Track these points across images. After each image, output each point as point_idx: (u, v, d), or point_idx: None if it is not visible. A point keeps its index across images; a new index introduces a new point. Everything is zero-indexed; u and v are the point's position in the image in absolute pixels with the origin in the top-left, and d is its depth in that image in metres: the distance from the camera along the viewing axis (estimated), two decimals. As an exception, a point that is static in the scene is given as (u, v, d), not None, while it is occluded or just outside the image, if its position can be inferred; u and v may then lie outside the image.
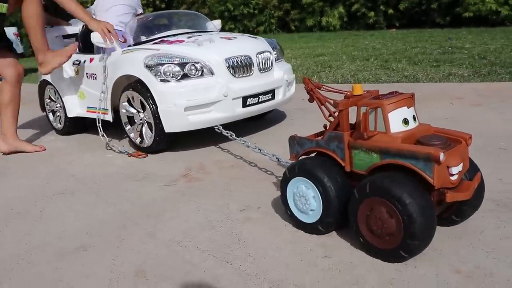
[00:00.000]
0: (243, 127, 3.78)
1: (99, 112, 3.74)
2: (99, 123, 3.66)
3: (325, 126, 2.17)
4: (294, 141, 2.18)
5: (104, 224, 2.34)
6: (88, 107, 3.94)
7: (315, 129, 2.69)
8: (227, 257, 1.92)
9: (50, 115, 4.38)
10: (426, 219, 1.66)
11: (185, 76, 3.22)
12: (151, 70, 3.25)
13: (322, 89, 2.18)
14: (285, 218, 2.22)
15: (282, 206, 2.29)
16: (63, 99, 4.08)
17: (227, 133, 3.20)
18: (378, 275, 1.69)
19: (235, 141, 3.25)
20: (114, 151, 3.58)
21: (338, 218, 1.95)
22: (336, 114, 2.03)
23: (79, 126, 4.22)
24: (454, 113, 3.74)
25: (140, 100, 3.35)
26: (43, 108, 4.47)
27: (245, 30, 14.43)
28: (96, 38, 3.59)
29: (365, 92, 2.03)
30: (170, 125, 3.26)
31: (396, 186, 1.69)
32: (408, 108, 1.89)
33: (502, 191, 2.29)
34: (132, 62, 3.40)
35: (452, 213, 1.93)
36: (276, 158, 2.81)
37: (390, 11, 11.88)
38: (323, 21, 12.83)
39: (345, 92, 2.00)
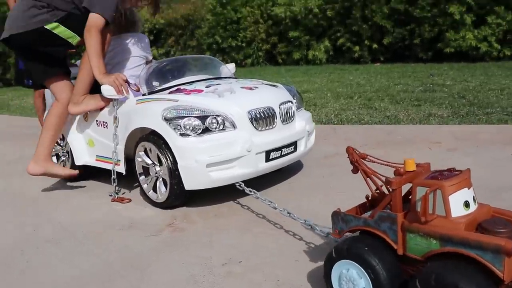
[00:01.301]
0: (255, 179, 3.45)
1: (110, 163, 3.60)
2: (114, 174, 3.53)
3: (367, 197, 2.11)
4: (338, 217, 2.04)
5: (91, 276, 2.41)
6: (97, 155, 3.80)
7: (335, 179, 2.81)
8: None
9: (54, 159, 4.17)
10: None
11: (206, 130, 3.07)
12: (170, 123, 3.10)
13: (366, 159, 2.07)
14: (266, 273, 2.32)
15: (263, 260, 2.39)
16: (70, 145, 3.91)
17: (250, 191, 3.03)
18: None
19: (219, 188, 3.17)
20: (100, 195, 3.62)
21: None
22: (383, 187, 1.96)
23: (85, 173, 4.03)
24: (431, 158, 3.80)
25: (155, 151, 3.21)
26: None
27: (233, 63, 14.56)
28: (107, 91, 3.41)
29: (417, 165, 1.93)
30: (191, 182, 3.10)
31: (466, 283, 1.54)
32: (468, 189, 1.79)
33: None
34: (149, 113, 3.26)
35: None
36: (309, 224, 2.56)
37: (375, 45, 12.04)
38: (310, 55, 13.00)
39: (393, 165, 1.92)
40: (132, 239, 2.85)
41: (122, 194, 3.61)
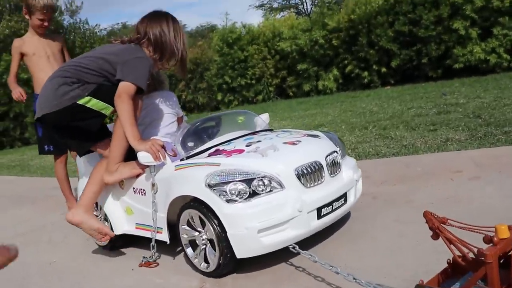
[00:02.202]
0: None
1: (151, 231, 3.45)
2: (154, 245, 3.39)
3: (448, 262, 1.97)
4: None
5: None
6: (137, 223, 3.63)
7: (389, 222, 2.69)
8: None
9: None
10: None
11: (253, 194, 2.88)
12: (214, 189, 2.92)
13: (447, 223, 1.92)
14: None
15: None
16: (107, 214, 3.76)
17: (310, 256, 2.80)
18: None
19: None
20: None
21: None
22: (470, 254, 1.84)
23: (125, 241, 3.87)
24: (454, 190, 3.72)
25: (200, 217, 3.04)
26: None
27: (244, 101, 14.67)
28: (144, 158, 3.26)
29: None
30: (242, 250, 2.91)
31: None
32: None
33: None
34: (190, 181, 3.08)
35: None
36: None
37: (383, 69, 12.04)
38: (320, 85, 13.06)
39: (481, 231, 1.77)
40: None
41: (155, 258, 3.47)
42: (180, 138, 3.47)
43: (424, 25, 11.24)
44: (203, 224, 3.06)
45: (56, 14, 22.66)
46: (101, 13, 72.86)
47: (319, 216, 3.04)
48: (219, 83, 14.68)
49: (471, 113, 6.41)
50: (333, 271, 2.62)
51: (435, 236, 1.95)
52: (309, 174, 3.03)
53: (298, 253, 2.90)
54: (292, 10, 33.57)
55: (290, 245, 2.92)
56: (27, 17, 4.16)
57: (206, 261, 3.12)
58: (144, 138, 3.51)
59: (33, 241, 4.63)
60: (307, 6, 34.19)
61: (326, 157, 3.16)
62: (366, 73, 12.33)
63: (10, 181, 9.21)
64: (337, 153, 3.29)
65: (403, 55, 11.70)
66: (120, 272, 3.48)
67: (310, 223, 2.99)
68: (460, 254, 1.89)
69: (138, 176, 3.52)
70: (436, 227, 1.91)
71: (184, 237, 3.21)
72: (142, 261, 3.47)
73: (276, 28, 14.23)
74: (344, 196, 3.22)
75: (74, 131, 3.50)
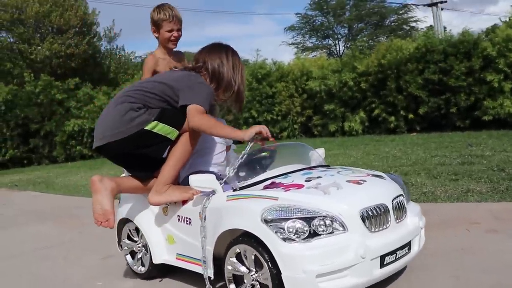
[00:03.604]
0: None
1: (193, 263, 3.25)
2: (207, 280, 3.12)
3: None
4: None
5: None
6: (178, 254, 3.41)
7: (472, 283, 2.69)
8: None
9: (129, 258, 3.86)
10: None
11: (312, 234, 2.66)
12: (270, 225, 2.69)
13: None
14: None
15: None
16: (147, 241, 3.55)
17: None
18: None
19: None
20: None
21: None
22: None
23: (164, 270, 3.68)
24: (469, 242, 3.70)
25: (255, 256, 2.80)
26: (120, 246, 3.94)
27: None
28: (196, 181, 3.09)
29: None
30: None
31: None
32: None
33: None
34: (244, 213, 2.86)
35: None
36: None
37: (410, 115, 11.94)
38: (346, 126, 13.06)
39: None
40: None
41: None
42: (236, 167, 3.21)
43: (455, 75, 11.21)
44: (255, 264, 2.84)
45: (95, 39, 23.49)
46: (137, 40, 74.76)
47: (382, 265, 2.77)
48: (245, 117, 14.82)
49: (495, 166, 6.34)
50: None
51: None
52: (375, 218, 2.79)
53: None
54: (324, 51, 34.00)
55: None
56: (156, 35, 3.88)
57: None
58: (190, 168, 3.42)
59: (50, 257, 4.74)
60: (339, 48, 34.61)
61: (392, 200, 2.92)
62: (393, 118, 12.24)
63: (35, 197, 9.42)
64: (403, 197, 3.06)
65: (431, 103, 11.60)
66: None
67: (372, 272, 2.73)
68: None
69: (184, 203, 3.33)
70: None
71: (229, 269, 2.98)
72: None
73: (305, 67, 14.35)
74: (408, 244, 2.96)
75: (139, 159, 3.34)
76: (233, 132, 3.22)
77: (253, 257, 2.81)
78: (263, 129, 3.16)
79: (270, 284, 2.73)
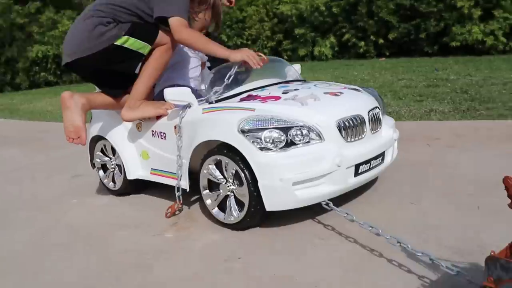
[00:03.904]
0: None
1: (168, 177, 3.25)
2: (178, 191, 3.15)
3: None
4: (496, 263, 1.73)
5: (98, 277, 2.53)
6: (153, 169, 3.42)
7: (427, 189, 2.85)
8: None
9: (101, 173, 3.86)
10: None
11: (289, 143, 2.67)
12: (247, 136, 2.69)
13: None
14: (264, 269, 2.44)
15: (260, 257, 2.52)
16: (121, 157, 3.53)
17: (346, 214, 2.64)
18: None
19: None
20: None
21: None
22: None
23: (138, 187, 3.70)
24: (429, 155, 3.93)
25: (229, 166, 2.83)
26: (93, 165, 3.93)
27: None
28: (171, 94, 3.03)
29: None
30: (274, 203, 2.71)
31: None
32: None
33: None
34: (221, 124, 2.85)
35: None
36: (429, 258, 2.19)
37: (380, 40, 11.88)
38: (315, 51, 13.04)
39: None
40: (138, 239, 2.92)
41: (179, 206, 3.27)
42: (209, 81, 3.21)
43: (426, 0, 11.21)
44: (231, 175, 2.86)
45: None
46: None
47: (357, 173, 2.85)
48: (215, 41, 14.61)
49: (458, 89, 6.50)
50: (374, 232, 2.45)
51: None
52: (351, 128, 2.83)
53: (332, 210, 2.72)
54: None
55: (324, 201, 2.76)
56: None
57: (227, 211, 2.95)
58: (164, 82, 3.36)
59: (18, 179, 4.75)
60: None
61: (368, 112, 2.96)
62: (362, 43, 12.21)
63: (-1, 123, 9.27)
64: (379, 109, 3.10)
65: (401, 28, 11.59)
66: (100, 208, 3.60)
67: (347, 180, 2.80)
68: None
69: (158, 118, 3.30)
70: None
71: (205, 172, 3.00)
72: (167, 211, 3.25)
73: (276, -9, 14.10)
74: (382, 155, 3.04)
75: (111, 76, 3.27)
76: (220, 49, 3.12)
77: (233, 171, 2.83)
78: (251, 60, 3.08)
79: (247, 192, 2.76)
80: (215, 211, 3.00)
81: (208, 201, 3.03)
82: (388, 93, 6.70)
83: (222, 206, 2.99)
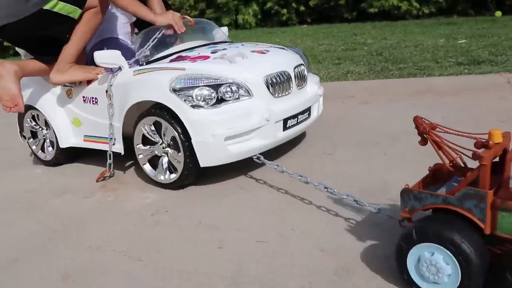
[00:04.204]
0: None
1: (101, 142, 3.25)
2: (110, 159, 3.19)
3: (430, 169, 1.96)
4: (409, 194, 1.84)
5: (31, 239, 2.56)
6: (86, 136, 3.40)
7: (343, 142, 3.09)
8: (141, 256, 2.27)
9: (32, 142, 3.76)
10: None
11: (220, 100, 2.76)
12: (178, 94, 2.75)
13: (437, 130, 1.88)
14: (190, 219, 2.62)
15: (187, 209, 2.69)
16: (52, 125, 3.47)
17: (276, 166, 2.77)
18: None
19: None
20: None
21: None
22: (458, 160, 1.86)
23: (71, 156, 3.65)
24: (343, 111, 4.21)
25: (162, 126, 2.89)
26: (23, 137, 3.82)
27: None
28: (101, 57, 3.02)
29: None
30: (207, 159, 2.79)
31: None
32: None
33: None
34: (153, 85, 2.88)
35: None
36: (353, 199, 2.35)
37: (302, 8, 12.15)
38: (239, 19, 13.13)
39: (474, 136, 1.75)
40: (68, 203, 2.98)
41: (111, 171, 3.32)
42: (139, 43, 3.23)
43: (344, -33, 11.56)
44: (165, 135, 2.92)
45: None
46: None
47: (285, 128, 2.99)
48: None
49: (374, 52, 6.90)
50: (303, 181, 2.59)
51: (424, 142, 1.92)
52: (278, 84, 2.94)
53: (263, 164, 2.85)
54: None
55: (255, 155, 2.87)
56: None
57: (159, 169, 3.02)
58: (96, 36, 3.33)
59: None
60: None
61: (294, 69, 3.08)
62: (285, 10, 12.45)
63: None
64: (304, 66, 3.24)
65: (322, -5, 12.02)
66: (29, 176, 3.56)
67: (276, 134, 2.93)
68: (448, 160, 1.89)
69: (89, 83, 3.27)
70: (426, 131, 1.87)
71: (141, 148, 3.07)
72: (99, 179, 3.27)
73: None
74: (308, 110, 3.19)
75: (42, 42, 3.19)
76: (146, 12, 3.16)
77: (163, 129, 2.89)
78: (176, 24, 3.17)
79: (181, 150, 2.83)
80: (146, 166, 3.06)
81: (140, 156, 3.07)
82: (308, 57, 6.97)
83: (154, 163, 3.06)
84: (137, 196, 2.99)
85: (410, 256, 1.77)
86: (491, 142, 1.70)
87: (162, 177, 3.00)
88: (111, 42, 3.41)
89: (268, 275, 2.04)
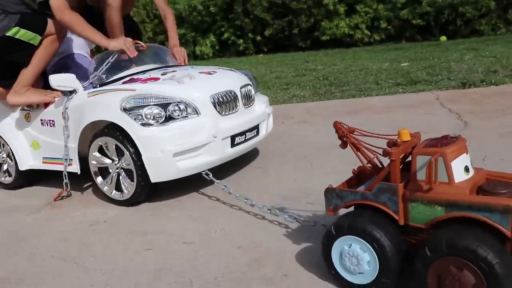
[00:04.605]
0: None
1: (61, 164, 3.34)
2: (66, 178, 3.30)
3: (354, 171, 2.10)
4: (332, 193, 1.98)
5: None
6: (44, 157, 3.50)
7: (273, 156, 3.30)
8: (76, 259, 2.47)
9: None
10: (510, 276, 1.55)
11: (169, 118, 2.92)
12: (129, 113, 2.90)
13: (355, 133, 2.03)
14: (127, 228, 2.81)
15: (124, 219, 2.87)
16: (12, 149, 3.58)
17: (224, 187, 2.91)
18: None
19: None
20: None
21: (396, 278, 1.80)
22: (375, 160, 2.00)
23: (32, 178, 3.75)
24: (281, 130, 4.40)
25: (117, 146, 3.00)
26: None
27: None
28: (56, 81, 3.14)
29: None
30: (158, 174, 2.92)
31: (479, 244, 1.55)
32: (466, 154, 1.78)
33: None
34: (105, 105, 3.02)
35: None
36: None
37: (258, 38, 12.59)
38: (197, 50, 13.47)
39: (385, 137, 1.90)
40: (16, 219, 3.15)
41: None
42: (93, 67, 3.38)
43: (296, -2, 12.06)
44: (118, 154, 3.04)
45: None
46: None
47: (233, 144, 3.15)
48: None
49: (321, 76, 7.26)
50: (248, 204, 2.75)
51: (344, 145, 2.03)
52: (225, 103, 3.12)
53: (212, 182, 2.99)
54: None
55: (204, 171, 3.01)
56: None
57: (118, 189, 3.13)
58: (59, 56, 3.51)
59: None
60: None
61: (240, 88, 3.27)
62: (241, 41, 12.85)
63: None
64: (251, 86, 3.42)
65: (276, 25, 12.38)
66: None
67: (224, 150, 3.09)
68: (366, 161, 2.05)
69: (46, 106, 3.39)
70: (344, 135, 1.99)
71: (93, 163, 3.17)
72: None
73: (154, -8, 14.32)
74: (256, 128, 3.36)
75: (2, 66, 3.35)
76: (99, 37, 3.31)
77: (113, 147, 3.02)
78: (128, 49, 3.35)
79: (133, 168, 2.97)
80: (114, 193, 3.17)
81: (105, 188, 3.19)
82: (260, 84, 7.28)
83: (119, 187, 3.17)
84: (81, 210, 3.15)
85: (333, 251, 1.89)
86: (399, 140, 1.82)
87: (114, 193, 3.13)
88: (75, 58, 3.65)
89: (188, 269, 2.26)
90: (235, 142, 3.17)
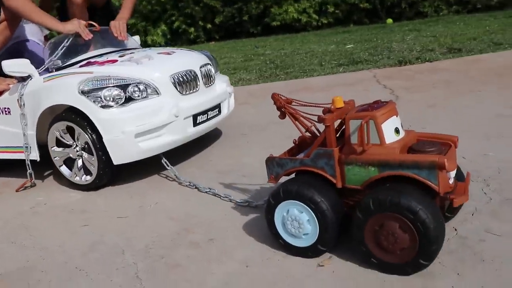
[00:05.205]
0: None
1: (16, 152, 3.29)
2: (29, 169, 3.23)
3: (294, 142, 2.16)
4: (272, 162, 2.02)
5: None
6: (1, 147, 3.44)
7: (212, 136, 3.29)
8: (16, 239, 2.57)
9: None
10: (438, 223, 1.66)
11: (128, 99, 2.92)
12: (88, 96, 2.89)
13: (293, 103, 2.10)
14: (66, 208, 2.89)
15: (63, 200, 2.95)
16: None
17: (182, 179, 2.98)
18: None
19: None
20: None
21: (336, 236, 1.89)
22: (313, 128, 2.08)
23: None
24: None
25: (76, 132, 2.97)
26: None
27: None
28: (9, 66, 3.09)
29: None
30: (120, 156, 2.92)
31: (405, 199, 1.65)
32: (396, 117, 1.87)
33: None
34: (62, 89, 2.99)
35: (445, 211, 1.99)
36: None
37: (209, 25, 12.72)
38: (148, 40, 13.40)
39: (321, 105, 1.98)
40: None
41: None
42: (47, 52, 3.34)
43: (244, -16, 12.16)
44: (78, 138, 3.01)
45: None
46: None
47: (195, 124, 3.19)
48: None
49: (268, 60, 7.43)
50: (209, 193, 2.78)
51: (282, 116, 2.10)
52: (185, 83, 3.14)
53: (166, 165, 3.06)
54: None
55: (162, 159, 3.06)
56: None
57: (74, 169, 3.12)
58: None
59: None
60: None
61: (200, 68, 3.30)
62: (192, 29, 12.90)
63: None
64: (211, 66, 3.46)
65: (226, 12, 12.48)
66: None
67: (186, 129, 3.13)
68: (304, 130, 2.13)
69: (0, 94, 3.32)
70: (282, 105, 2.06)
71: (53, 148, 3.14)
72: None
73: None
74: (218, 106, 3.42)
75: None
76: (52, 22, 3.29)
77: (75, 133, 3.01)
78: (82, 31, 3.35)
79: (94, 154, 2.96)
80: (63, 168, 3.16)
81: (56, 158, 3.16)
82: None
83: (69, 165, 3.18)
84: (25, 196, 3.19)
85: (276, 221, 1.97)
86: (333, 107, 1.90)
87: (78, 178, 3.11)
88: (27, 45, 3.62)
89: (121, 240, 2.41)
90: (197, 121, 3.21)
